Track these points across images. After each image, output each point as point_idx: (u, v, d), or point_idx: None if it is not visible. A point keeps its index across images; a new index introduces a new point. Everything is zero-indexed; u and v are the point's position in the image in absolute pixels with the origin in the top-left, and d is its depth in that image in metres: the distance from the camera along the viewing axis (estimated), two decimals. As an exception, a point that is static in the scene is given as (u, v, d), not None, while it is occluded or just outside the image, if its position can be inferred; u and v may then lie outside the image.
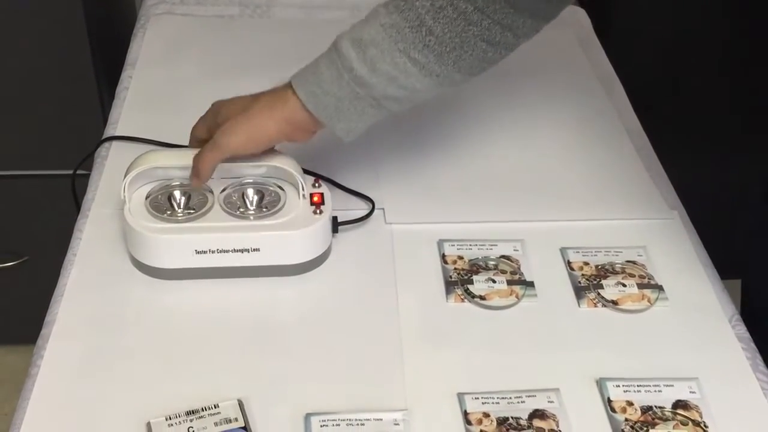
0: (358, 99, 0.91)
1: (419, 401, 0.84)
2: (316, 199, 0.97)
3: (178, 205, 0.96)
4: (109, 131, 1.18)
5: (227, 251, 0.94)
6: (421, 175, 1.11)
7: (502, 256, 0.99)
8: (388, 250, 1.00)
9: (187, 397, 0.82)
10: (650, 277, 0.98)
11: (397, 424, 0.81)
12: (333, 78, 0.90)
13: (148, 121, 1.17)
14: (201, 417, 0.80)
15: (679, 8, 1.72)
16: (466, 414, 0.82)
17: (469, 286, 0.96)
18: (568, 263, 0.99)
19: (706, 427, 0.82)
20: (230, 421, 0.80)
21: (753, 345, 0.91)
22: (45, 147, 1.66)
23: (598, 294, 0.95)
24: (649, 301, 0.95)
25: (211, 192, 0.97)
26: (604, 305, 0.95)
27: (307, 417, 0.81)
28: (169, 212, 0.95)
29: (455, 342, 0.91)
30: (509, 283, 0.96)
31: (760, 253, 1.06)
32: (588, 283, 0.97)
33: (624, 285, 0.96)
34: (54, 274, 0.97)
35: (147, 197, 0.97)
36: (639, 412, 0.83)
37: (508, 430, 0.81)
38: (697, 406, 0.84)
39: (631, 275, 0.98)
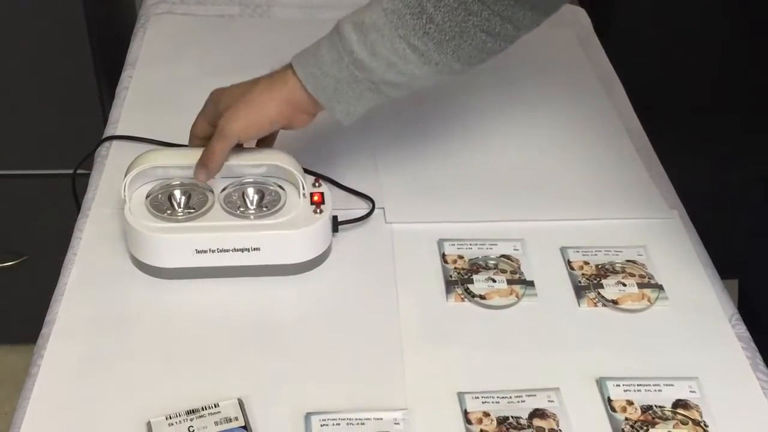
0: (357, 82, 0.91)
1: (419, 400, 0.84)
2: (316, 198, 0.97)
3: (179, 205, 0.96)
4: (109, 131, 1.18)
5: (227, 251, 0.94)
6: (422, 175, 1.11)
7: (503, 256, 0.99)
8: (389, 250, 1.00)
9: (188, 397, 0.82)
10: (650, 277, 0.98)
11: (398, 424, 0.81)
12: (333, 60, 0.91)
13: (148, 121, 1.17)
14: (201, 416, 0.80)
15: (679, 8, 1.72)
16: (466, 413, 0.82)
17: (470, 286, 0.96)
18: (568, 263, 0.99)
19: (706, 426, 0.82)
20: (230, 420, 0.80)
21: (753, 344, 0.91)
22: (45, 147, 1.66)
23: (598, 293, 0.95)
24: (649, 300, 0.95)
25: (212, 191, 0.97)
26: (604, 305, 0.95)
27: (308, 416, 0.81)
28: (169, 211, 0.95)
29: (455, 341, 0.91)
30: (509, 282, 0.96)
31: (759, 253, 1.06)
32: (588, 283, 0.97)
33: (624, 284, 0.96)
34: (54, 274, 0.97)
35: (147, 196, 0.97)
36: (639, 412, 0.83)
37: (508, 429, 0.81)
38: (697, 405, 0.84)
39: (631, 275, 0.98)
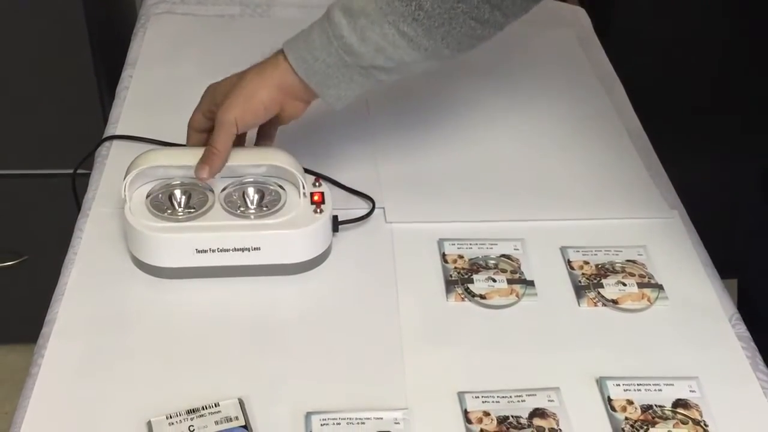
0: (346, 67, 0.92)
1: (419, 400, 0.84)
2: (316, 198, 0.97)
3: (179, 204, 0.96)
4: (109, 130, 1.18)
5: (227, 250, 0.94)
6: (422, 175, 1.11)
7: (503, 255, 1.00)
8: (389, 249, 1.00)
9: (188, 396, 0.82)
10: (650, 277, 0.98)
11: (398, 423, 0.81)
12: (323, 45, 0.91)
13: (148, 121, 1.17)
14: (201, 416, 0.80)
15: (679, 8, 1.73)
16: (466, 413, 0.82)
17: (470, 285, 0.96)
18: (569, 262, 0.99)
19: (706, 426, 0.82)
20: (231, 419, 0.80)
21: (753, 344, 0.91)
22: (45, 146, 1.66)
23: (598, 293, 0.95)
24: (649, 300, 0.95)
25: (212, 191, 0.97)
26: (604, 304, 0.95)
27: (308, 416, 0.81)
28: (169, 211, 0.95)
29: (455, 341, 0.91)
30: (509, 282, 0.96)
31: (759, 253, 1.06)
32: (588, 283, 0.97)
33: (624, 284, 0.96)
34: (54, 274, 0.97)
35: (147, 196, 0.97)
36: (639, 411, 0.83)
37: (508, 429, 0.81)
38: (697, 405, 0.84)
39: (631, 274, 0.98)
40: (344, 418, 0.81)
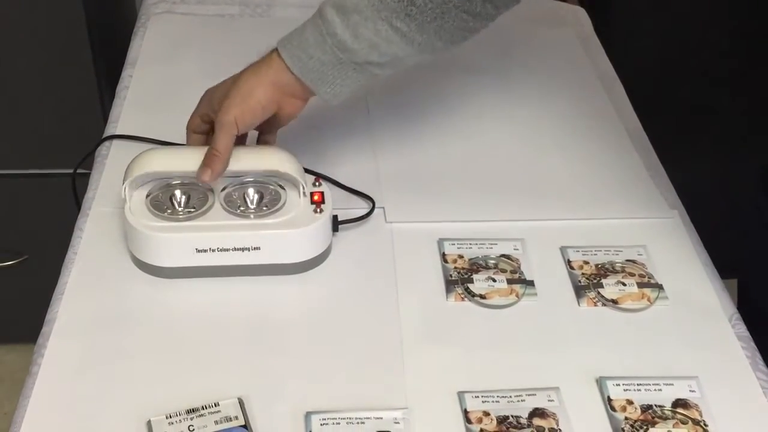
0: (340, 63, 0.92)
1: (419, 400, 0.84)
2: (316, 197, 0.97)
3: (179, 204, 0.96)
4: (109, 130, 1.18)
5: (227, 250, 0.94)
6: (422, 175, 1.11)
7: (503, 255, 1.00)
8: (389, 249, 1.00)
9: (188, 396, 0.82)
10: (650, 276, 0.98)
11: (398, 423, 0.81)
12: (317, 42, 0.92)
13: (148, 120, 1.17)
14: (201, 415, 0.80)
15: (679, 8, 1.73)
16: (466, 412, 0.82)
17: (470, 285, 0.96)
18: (568, 262, 0.99)
19: (706, 425, 0.82)
20: (230, 419, 0.80)
21: (753, 344, 0.91)
22: (45, 146, 1.67)
23: (598, 293, 0.95)
24: (649, 300, 0.95)
25: (212, 191, 0.97)
26: (604, 304, 0.95)
27: (308, 415, 0.81)
28: (169, 211, 0.95)
29: (455, 341, 0.91)
30: (509, 282, 0.96)
31: (759, 253, 1.06)
32: (588, 282, 0.97)
33: (624, 284, 0.96)
34: (54, 273, 0.97)
35: (147, 196, 0.97)
36: (639, 411, 0.83)
37: (508, 428, 0.81)
38: (696, 404, 0.84)
39: (631, 274, 0.98)
40: (344, 418, 0.81)
